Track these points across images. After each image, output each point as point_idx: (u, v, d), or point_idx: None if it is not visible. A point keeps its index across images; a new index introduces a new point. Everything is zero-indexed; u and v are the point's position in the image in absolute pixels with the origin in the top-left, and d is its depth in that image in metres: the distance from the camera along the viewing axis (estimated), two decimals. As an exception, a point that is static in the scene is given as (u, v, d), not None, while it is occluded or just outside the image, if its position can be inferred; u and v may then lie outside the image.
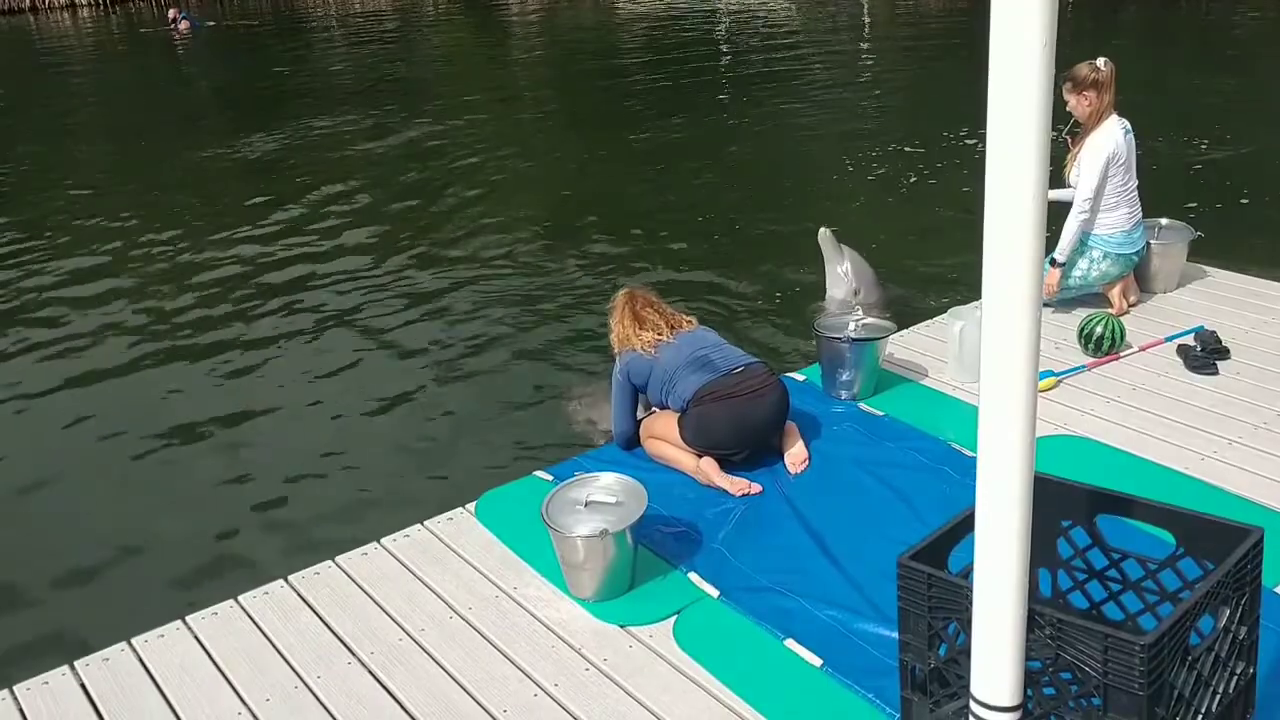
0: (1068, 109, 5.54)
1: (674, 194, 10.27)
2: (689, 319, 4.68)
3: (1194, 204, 8.43)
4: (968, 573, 2.33)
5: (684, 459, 4.40)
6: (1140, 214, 5.71)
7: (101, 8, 30.36)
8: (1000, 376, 1.97)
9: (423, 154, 12.47)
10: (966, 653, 2.22)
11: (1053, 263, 5.57)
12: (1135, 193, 5.66)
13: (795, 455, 4.45)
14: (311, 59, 20.64)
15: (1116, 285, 5.74)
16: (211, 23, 26.22)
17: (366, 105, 15.44)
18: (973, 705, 2.21)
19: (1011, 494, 1.99)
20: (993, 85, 1.83)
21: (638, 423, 4.66)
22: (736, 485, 4.27)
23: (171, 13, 24.96)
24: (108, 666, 3.46)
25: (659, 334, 4.52)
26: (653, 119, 13.81)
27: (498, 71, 19.06)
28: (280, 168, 12.17)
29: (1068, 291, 5.71)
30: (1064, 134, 5.67)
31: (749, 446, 4.39)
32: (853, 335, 4.90)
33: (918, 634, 2.41)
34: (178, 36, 23.82)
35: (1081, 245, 5.64)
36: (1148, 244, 5.89)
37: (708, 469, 4.31)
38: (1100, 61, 5.48)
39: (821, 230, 6.58)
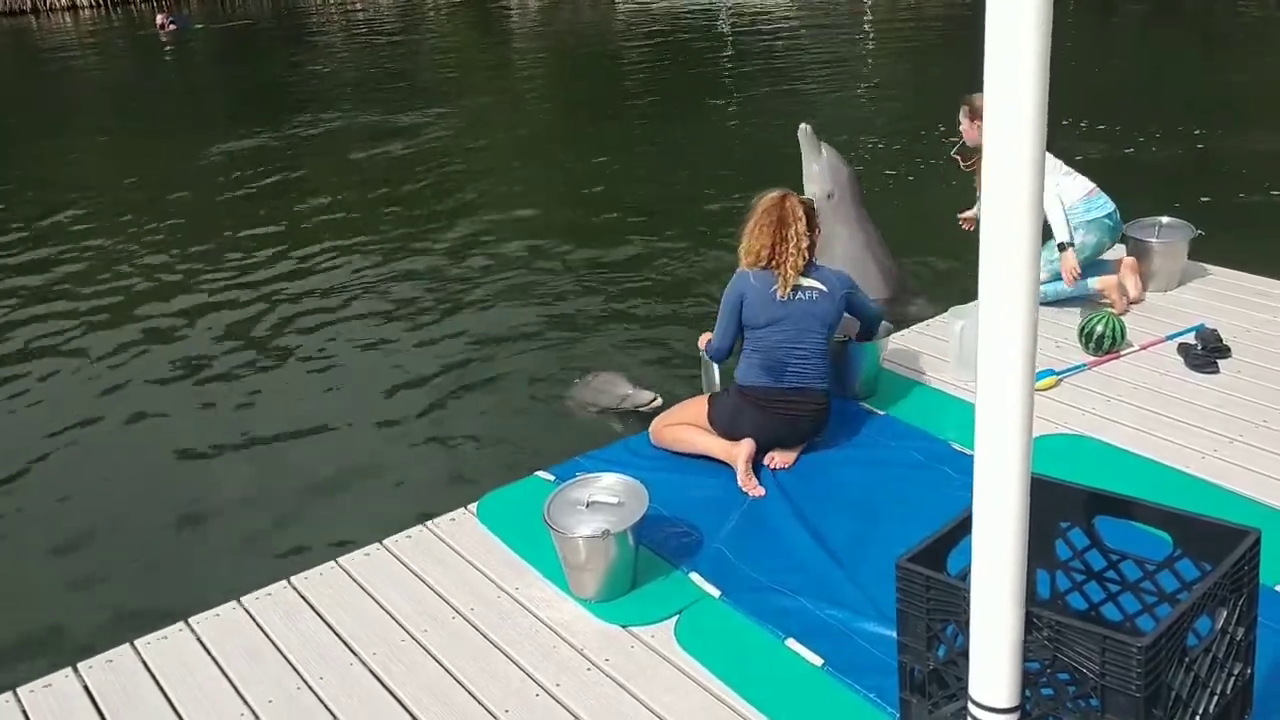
0: (965, 138, 5.72)
1: (675, 189, 10.28)
2: (814, 285, 4.41)
3: (1195, 201, 8.41)
4: (966, 574, 2.33)
5: (713, 442, 4.45)
6: (1093, 185, 5.74)
7: (103, 9, 30.38)
8: (997, 377, 1.97)
9: (419, 155, 12.46)
10: (965, 654, 2.23)
11: (1061, 248, 5.44)
12: (1075, 174, 5.73)
13: (785, 455, 4.48)
14: (309, 58, 20.64)
15: (1113, 283, 5.72)
16: (200, 25, 26.21)
17: (363, 104, 15.46)
18: (971, 707, 2.22)
19: (1009, 495, 2.00)
20: (989, 88, 1.85)
21: (734, 343, 4.54)
22: (750, 484, 4.29)
23: (160, 18, 24.99)
24: (111, 668, 3.47)
25: (786, 280, 4.33)
26: (654, 114, 13.83)
27: (499, 69, 19.07)
28: (271, 169, 12.16)
29: (1059, 281, 5.70)
30: (952, 154, 5.73)
31: (763, 450, 4.45)
32: (853, 334, 4.91)
33: (916, 636, 2.42)
34: (165, 38, 23.84)
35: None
36: (1148, 242, 5.89)
37: (744, 453, 4.33)
38: None
39: (801, 125, 6.32)
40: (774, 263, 4.37)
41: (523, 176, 11.51)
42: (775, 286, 4.35)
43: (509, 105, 15.75)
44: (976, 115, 5.53)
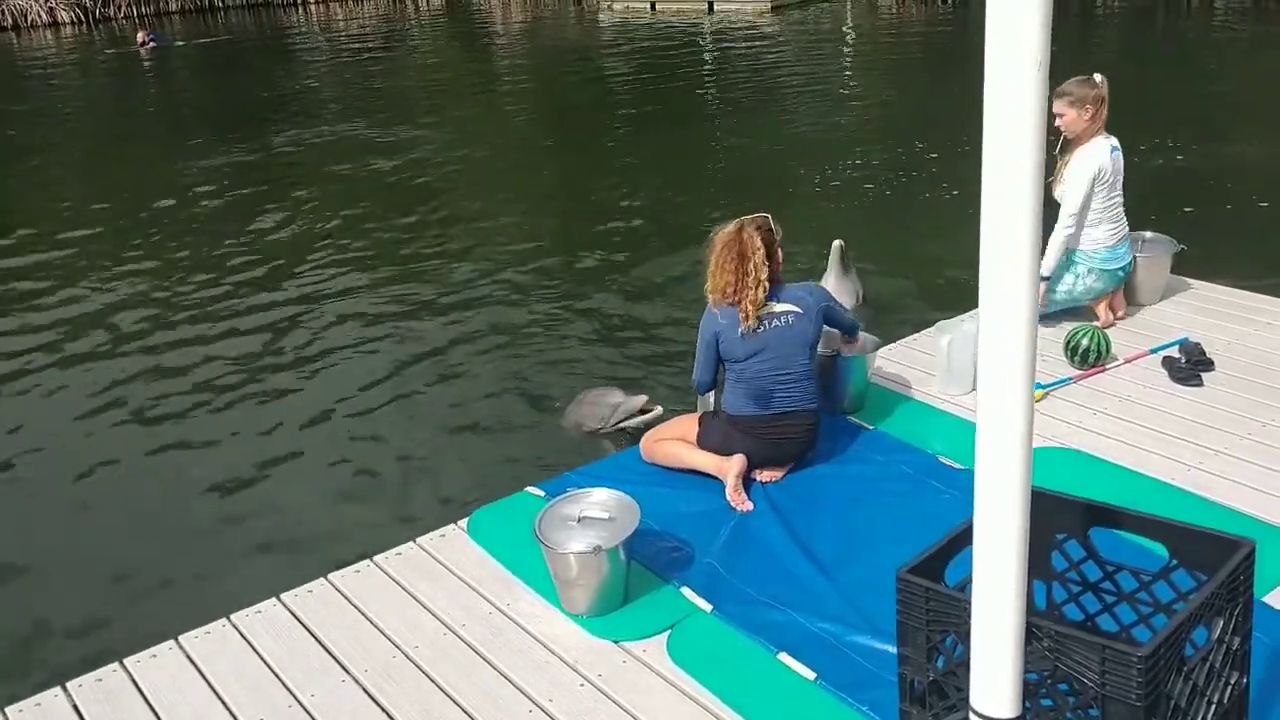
0: (1058, 124, 5.51)
1: (659, 207, 10.30)
2: (788, 309, 4.39)
3: (1177, 216, 8.49)
4: (964, 585, 2.34)
5: (703, 458, 4.45)
6: (1126, 230, 5.74)
7: (84, 25, 30.29)
8: (998, 391, 1.99)
9: (403, 170, 12.43)
10: (965, 665, 2.23)
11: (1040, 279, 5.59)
12: (1120, 209, 5.69)
13: (774, 471, 4.49)
14: (291, 74, 20.55)
15: (1103, 299, 5.79)
16: (181, 42, 26.17)
17: (345, 120, 15.42)
18: (972, 717, 2.23)
19: (1010, 507, 2.01)
20: (988, 104, 1.86)
21: (716, 376, 4.52)
22: (739, 499, 4.29)
23: (140, 35, 24.95)
24: (100, 687, 3.44)
25: (748, 314, 4.30)
26: (637, 133, 13.86)
27: (482, 85, 19.08)
28: (252, 185, 12.06)
29: (1054, 306, 5.75)
30: (1056, 152, 5.66)
31: (753, 466, 4.46)
32: (841, 345, 4.93)
33: (916, 647, 2.43)
34: (145, 55, 23.80)
35: (1068, 261, 5.69)
36: (1134, 259, 5.94)
37: (735, 468, 4.32)
38: (1097, 77, 5.52)
39: (837, 242, 6.53)
40: (737, 299, 4.34)
41: (508, 192, 11.51)
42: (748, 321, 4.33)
43: (493, 121, 15.76)
44: (1081, 101, 5.42)
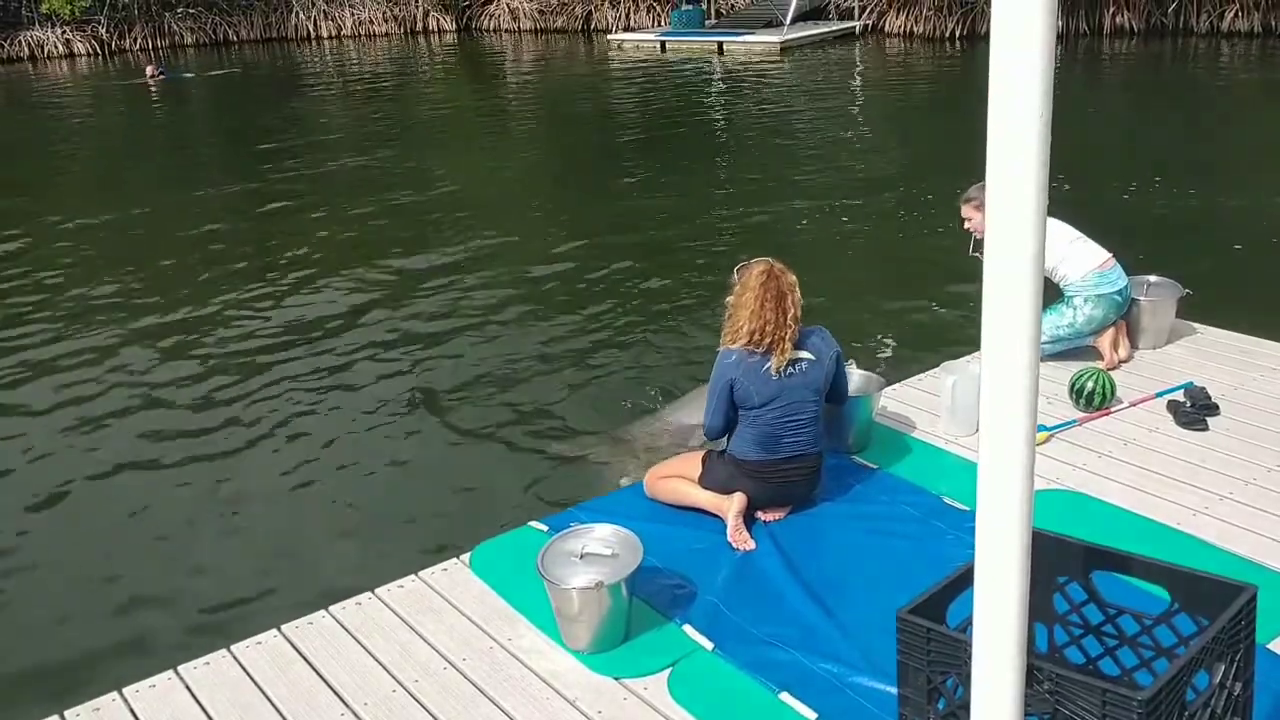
0: (967, 226, 5.71)
1: (664, 249, 10.34)
2: (805, 356, 4.33)
3: (1182, 260, 8.50)
4: (965, 627, 2.34)
5: (704, 496, 4.43)
6: (1110, 257, 5.77)
7: (99, 57, 30.62)
8: (999, 433, 1.99)
9: (411, 203, 12.51)
10: (966, 707, 2.22)
11: None
12: (1089, 241, 5.76)
13: (776, 511, 4.48)
14: (298, 107, 20.69)
15: (1106, 336, 5.78)
16: (190, 74, 26.48)
17: (352, 153, 15.53)
18: (972, 760, 2.22)
19: (1011, 549, 2.01)
20: (991, 155, 1.88)
21: (727, 421, 4.39)
22: (740, 538, 4.27)
23: (149, 69, 25.26)
24: (98, 717, 3.43)
25: (781, 358, 4.22)
26: (643, 174, 13.93)
27: (491, 121, 19.22)
28: (255, 218, 12.17)
29: (1060, 344, 5.76)
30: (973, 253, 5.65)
31: (756, 506, 4.45)
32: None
33: (917, 688, 2.42)
34: (153, 87, 24.11)
35: (1063, 297, 5.71)
36: (1137, 300, 5.95)
37: (735, 507, 4.30)
38: None
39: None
40: (770, 341, 4.24)
41: (514, 227, 11.56)
42: (769, 366, 4.25)
43: (502, 155, 15.87)
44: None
